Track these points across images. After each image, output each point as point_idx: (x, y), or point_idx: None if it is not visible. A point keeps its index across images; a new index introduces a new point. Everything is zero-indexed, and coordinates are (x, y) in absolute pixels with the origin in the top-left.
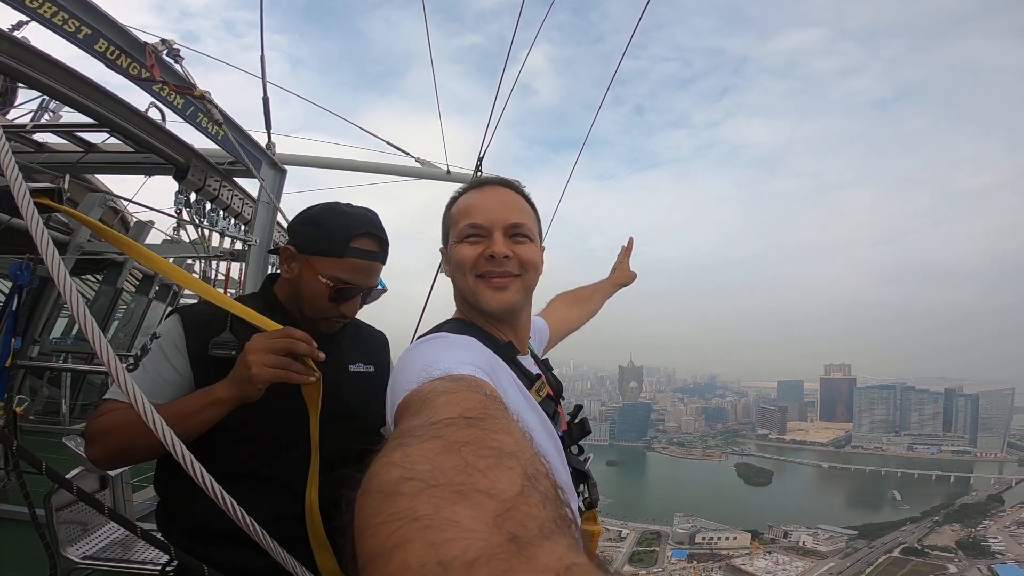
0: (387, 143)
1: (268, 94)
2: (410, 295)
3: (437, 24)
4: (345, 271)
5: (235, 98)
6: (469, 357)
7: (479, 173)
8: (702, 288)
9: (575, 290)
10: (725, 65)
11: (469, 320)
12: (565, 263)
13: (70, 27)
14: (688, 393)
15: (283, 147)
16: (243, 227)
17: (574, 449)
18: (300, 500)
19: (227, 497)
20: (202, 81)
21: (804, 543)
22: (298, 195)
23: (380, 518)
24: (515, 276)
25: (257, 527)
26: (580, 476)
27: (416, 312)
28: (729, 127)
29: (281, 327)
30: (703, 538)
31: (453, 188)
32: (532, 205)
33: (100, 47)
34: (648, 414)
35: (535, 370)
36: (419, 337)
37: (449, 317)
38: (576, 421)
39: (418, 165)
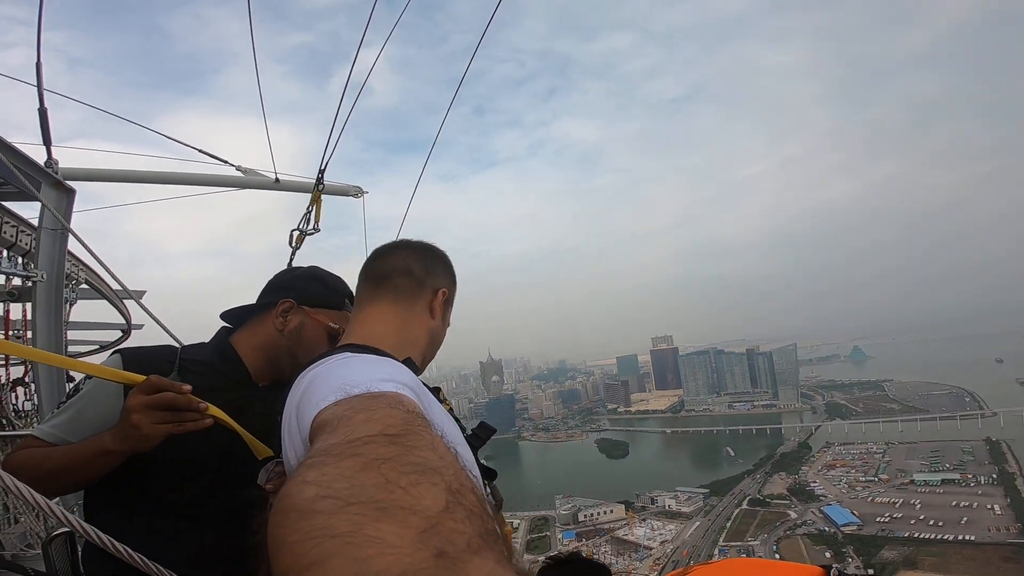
0: (199, 151)
1: (45, 104)
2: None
3: (258, 23)
4: (342, 321)
5: None
6: (389, 373)
7: (321, 186)
8: (542, 279)
9: None
10: (553, 66)
11: (368, 346)
12: None
13: None
14: (544, 379)
15: (66, 160)
16: (20, 260)
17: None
18: (235, 537)
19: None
20: None
21: (669, 506)
22: (86, 214)
23: (296, 536)
24: None
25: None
26: (489, 474)
27: None
28: (556, 126)
29: (145, 378)
30: (585, 515)
31: (284, 197)
32: None
33: None
34: (513, 405)
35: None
36: (320, 358)
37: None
38: (478, 424)
39: (239, 174)
